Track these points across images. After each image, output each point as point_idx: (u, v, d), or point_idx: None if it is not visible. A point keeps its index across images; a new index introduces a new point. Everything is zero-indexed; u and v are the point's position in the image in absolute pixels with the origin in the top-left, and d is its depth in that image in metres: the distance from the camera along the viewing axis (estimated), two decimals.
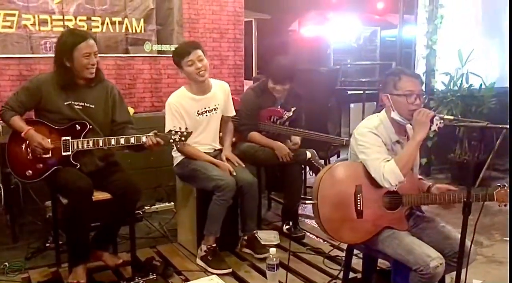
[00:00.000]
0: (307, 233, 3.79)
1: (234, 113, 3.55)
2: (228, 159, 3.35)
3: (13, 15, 4.12)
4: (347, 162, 2.63)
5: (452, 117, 2.38)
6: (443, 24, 5.74)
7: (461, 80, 5.50)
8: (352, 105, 7.13)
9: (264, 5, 7.04)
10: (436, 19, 5.70)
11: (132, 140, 2.84)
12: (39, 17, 4.23)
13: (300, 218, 3.97)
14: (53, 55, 4.13)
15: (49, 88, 2.84)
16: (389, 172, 2.32)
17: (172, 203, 4.35)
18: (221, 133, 3.53)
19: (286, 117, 3.83)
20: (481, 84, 5.46)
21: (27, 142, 2.80)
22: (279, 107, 3.80)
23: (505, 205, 2.39)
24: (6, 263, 3.14)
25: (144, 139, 2.83)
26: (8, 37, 4.13)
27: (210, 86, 3.35)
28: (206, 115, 3.33)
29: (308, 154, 3.71)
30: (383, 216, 2.46)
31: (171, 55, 4.76)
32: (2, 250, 3.43)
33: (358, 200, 2.44)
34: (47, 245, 3.40)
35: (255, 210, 3.41)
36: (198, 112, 3.30)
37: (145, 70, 4.79)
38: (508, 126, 2.29)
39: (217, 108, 3.37)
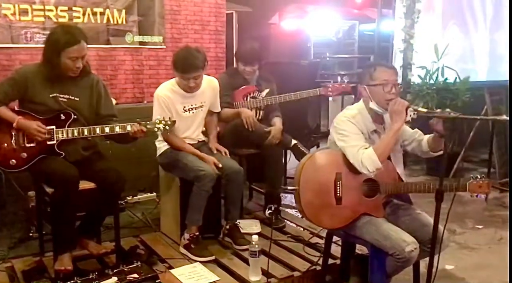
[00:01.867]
0: (287, 221, 3.88)
1: (219, 109, 3.58)
2: (216, 150, 3.42)
3: None
4: (328, 150, 2.72)
5: (425, 110, 2.50)
6: (420, 18, 5.89)
7: (437, 74, 5.66)
8: (330, 98, 7.24)
9: None
10: (413, 14, 5.83)
11: (117, 129, 2.87)
12: (20, 6, 4.19)
13: (281, 207, 4.06)
14: (34, 45, 4.27)
15: (35, 79, 2.85)
16: (367, 159, 2.42)
17: (154, 193, 4.39)
18: (205, 126, 3.57)
19: (261, 97, 3.92)
20: (456, 78, 5.62)
21: (12, 131, 2.81)
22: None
23: (476, 196, 2.51)
24: None
25: (129, 127, 2.87)
26: None
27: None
28: (192, 112, 3.36)
29: (294, 141, 3.81)
30: (361, 203, 2.56)
31: (152, 47, 4.90)
32: None
33: (338, 187, 2.54)
34: (30, 234, 3.41)
35: (239, 198, 3.48)
36: (185, 109, 3.32)
37: (126, 61, 4.80)
38: (485, 116, 2.39)
39: (203, 105, 3.40)
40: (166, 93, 3.28)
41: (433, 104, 5.38)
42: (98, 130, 2.88)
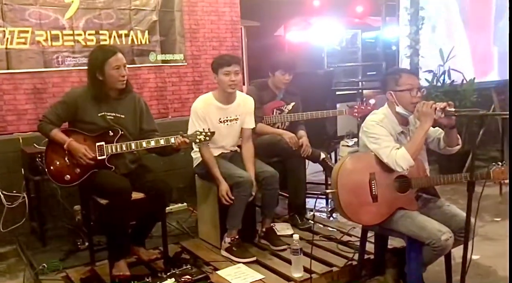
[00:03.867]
0: (317, 223, 4.08)
1: (254, 125, 3.71)
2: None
3: (27, 31, 4.34)
4: (359, 153, 2.94)
5: (452, 109, 2.70)
6: (424, 25, 6.15)
7: (444, 77, 5.91)
8: (338, 105, 7.49)
9: (252, 13, 7.34)
10: (418, 21, 6.09)
11: (162, 141, 3.08)
12: (51, 32, 4.45)
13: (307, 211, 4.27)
14: (65, 68, 4.52)
15: (83, 101, 3.08)
16: (401, 158, 2.64)
17: (185, 203, 4.61)
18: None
19: (287, 110, 4.17)
20: (462, 80, 5.87)
21: (66, 150, 3.03)
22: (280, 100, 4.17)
23: (502, 182, 2.73)
24: (44, 265, 3.34)
25: (172, 140, 3.08)
26: (23, 53, 4.34)
27: (235, 97, 3.57)
28: (227, 124, 3.56)
29: (323, 155, 4.04)
30: (395, 199, 2.77)
31: (174, 64, 5.15)
32: (36, 254, 3.63)
33: (373, 186, 2.75)
34: (78, 246, 3.61)
35: (275, 202, 3.68)
36: (220, 120, 3.52)
37: (151, 79, 5.04)
38: (506, 113, 2.60)
39: (237, 118, 3.59)
40: (202, 104, 3.49)
41: None
42: (144, 144, 3.09)
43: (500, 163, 2.70)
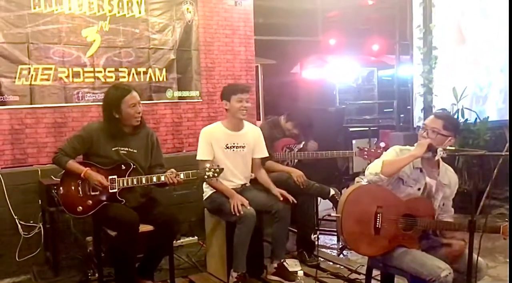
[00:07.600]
0: (326, 261, 4.08)
1: (266, 154, 3.82)
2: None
3: (50, 69, 4.55)
4: (372, 185, 2.96)
5: (453, 148, 2.77)
6: (437, 64, 6.22)
7: (457, 115, 5.92)
8: (354, 141, 7.55)
9: (269, 51, 7.55)
10: (431, 61, 6.17)
11: (162, 178, 3.18)
12: (73, 70, 4.66)
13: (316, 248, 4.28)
14: (84, 104, 4.70)
15: (99, 136, 3.23)
16: (373, 164, 2.76)
17: (196, 237, 4.66)
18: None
19: (297, 149, 4.26)
20: (476, 119, 5.88)
21: (79, 181, 3.16)
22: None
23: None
24: None
25: (182, 176, 3.19)
26: (45, 89, 4.55)
27: (243, 125, 3.71)
28: (233, 150, 3.65)
29: (332, 191, 4.09)
30: (398, 235, 2.78)
31: (190, 101, 5.31)
32: None
33: (378, 219, 2.78)
34: (89, 277, 3.68)
35: (286, 236, 3.73)
36: (227, 146, 3.63)
37: (167, 115, 5.20)
38: (507, 153, 2.64)
39: (244, 146, 3.69)
40: (210, 130, 3.66)
41: (455, 144, 5.58)
42: (154, 179, 3.20)
43: None
